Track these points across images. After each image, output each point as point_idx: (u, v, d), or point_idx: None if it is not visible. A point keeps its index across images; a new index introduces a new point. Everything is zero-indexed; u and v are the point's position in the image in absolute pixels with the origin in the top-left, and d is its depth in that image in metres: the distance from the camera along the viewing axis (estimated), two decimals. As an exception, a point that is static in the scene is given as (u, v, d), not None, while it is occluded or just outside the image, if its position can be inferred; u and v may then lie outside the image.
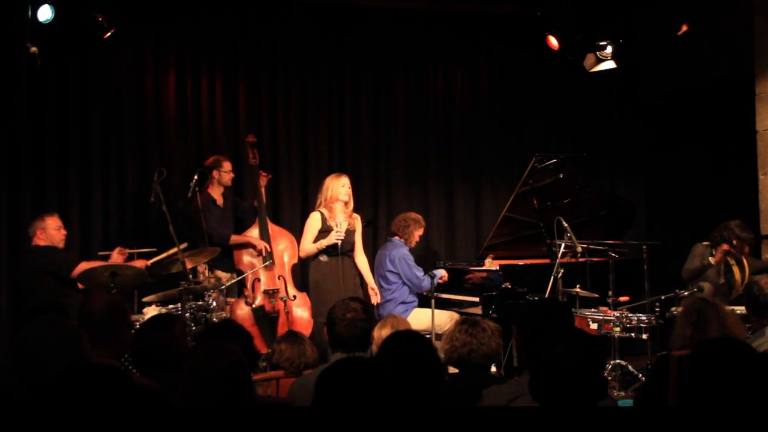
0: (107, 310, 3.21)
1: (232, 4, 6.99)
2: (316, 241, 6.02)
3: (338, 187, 6.06)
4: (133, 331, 3.36)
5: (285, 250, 6.38)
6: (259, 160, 6.35)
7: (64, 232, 5.80)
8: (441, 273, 6.38)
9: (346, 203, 6.10)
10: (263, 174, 6.33)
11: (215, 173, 6.24)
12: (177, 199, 6.49)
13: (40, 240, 5.70)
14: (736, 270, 5.97)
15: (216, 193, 6.27)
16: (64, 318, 2.87)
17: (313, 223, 6.04)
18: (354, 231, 6.12)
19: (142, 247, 6.03)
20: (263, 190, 6.33)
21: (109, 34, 6.17)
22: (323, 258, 5.98)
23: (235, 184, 6.59)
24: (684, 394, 2.32)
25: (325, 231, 6.00)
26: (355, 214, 6.20)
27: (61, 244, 5.76)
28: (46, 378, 2.00)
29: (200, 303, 5.45)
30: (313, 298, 6.09)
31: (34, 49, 5.51)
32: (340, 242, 5.91)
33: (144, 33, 6.78)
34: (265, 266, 6.09)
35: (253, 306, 6.04)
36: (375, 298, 6.19)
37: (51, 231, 5.74)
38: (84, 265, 5.49)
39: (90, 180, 6.57)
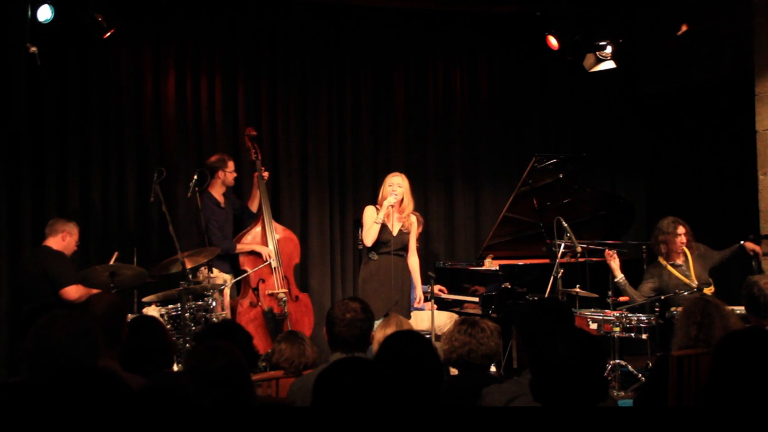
0: (112, 311, 3.19)
1: (232, 3, 6.99)
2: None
3: (386, 187, 5.86)
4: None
5: (288, 250, 6.36)
6: (260, 155, 6.34)
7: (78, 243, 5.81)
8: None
9: (396, 204, 5.79)
10: (264, 170, 6.30)
11: (220, 173, 6.23)
12: (177, 200, 6.50)
13: (56, 243, 5.62)
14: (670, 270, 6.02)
15: (218, 193, 6.27)
16: (85, 315, 2.81)
17: (369, 214, 5.83)
18: (408, 232, 5.92)
19: (142, 247, 6.05)
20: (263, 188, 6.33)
21: (108, 33, 6.19)
22: (374, 256, 5.81)
23: (236, 183, 6.60)
24: (712, 388, 2.31)
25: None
26: (412, 217, 5.98)
27: (71, 255, 5.74)
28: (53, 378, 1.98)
29: (200, 303, 5.45)
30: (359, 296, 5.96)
31: (33, 49, 5.51)
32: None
33: (143, 32, 6.78)
34: (269, 265, 6.07)
35: (264, 309, 6.02)
36: (416, 302, 6.04)
37: (72, 239, 5.70)
38: (74, 289, 5.45)
39: (89, 180, 6.57)
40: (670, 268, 6.02)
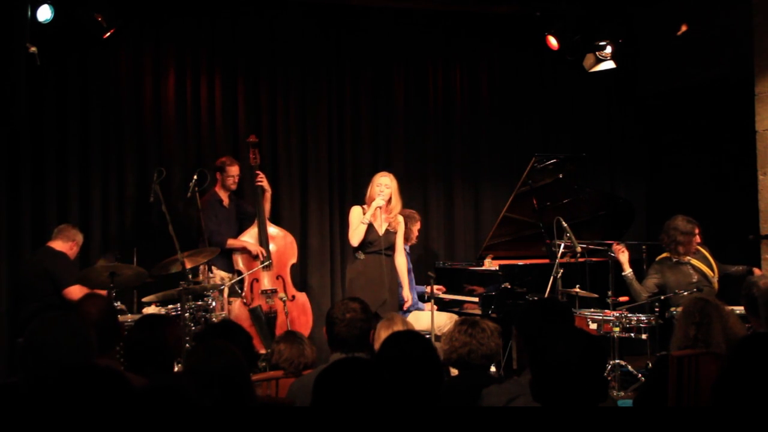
0: (107, 313, 3.18)
1: (232, 3, 6.99)
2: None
3: (374, 187, 5.88)
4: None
5: (284, 250, 6.37)
6: (259, 160, 6.36)
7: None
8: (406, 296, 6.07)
9: (385, 206, 5.81)
10: (261, 174, 6.33)
11: (218, 175, 6.30)
12: (177, 200, 6.51)
13: (61, 247, 5.67)
14: (701, 265, 6.03)
15: (223, 193, 6.33)
16: (74, 316, 2.82)
17: (355, 214, 5.86)
18: (395, 232, 5.93)
19: (142, 247, 6.06)
20: (267, 195, 6.35)
21: (108, 34, 6.19)
22: (360, 255, 5.82)
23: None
24: (722, 389, 2.31)
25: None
26: (399, 217, 5.98)
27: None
28: (51, 376, 1.99)
29: (200, 303, 5.45)
30: (346, 296, 5.96)
31: (33, 49, 5.51)
32: (381, 205, 5.73)
33: (143, 33, 6.78)
34: (264, 267, 6.10)
35: (250, 306, 6.04)
36: (405, 305, 6.01)
37: (76, 248, 5.78)
38: (78, 289, 5.45)
39: (89, 180, 6.57)
40: (695, 261, 6.05)
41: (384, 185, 5.84)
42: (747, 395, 2.23)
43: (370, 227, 5.79)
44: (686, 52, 7.42)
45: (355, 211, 5.91)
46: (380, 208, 5.80)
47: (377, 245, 5.78)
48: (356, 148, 7.40)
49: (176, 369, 4.26)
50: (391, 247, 5.92)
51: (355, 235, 5.79)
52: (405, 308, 6.00)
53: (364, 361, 2.39)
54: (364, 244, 5.80)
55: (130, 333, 3.22)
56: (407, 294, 6.01)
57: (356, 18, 7.33)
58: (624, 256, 6.11)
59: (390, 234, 5.90)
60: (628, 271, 6.07)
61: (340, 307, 3.32)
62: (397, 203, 5.92)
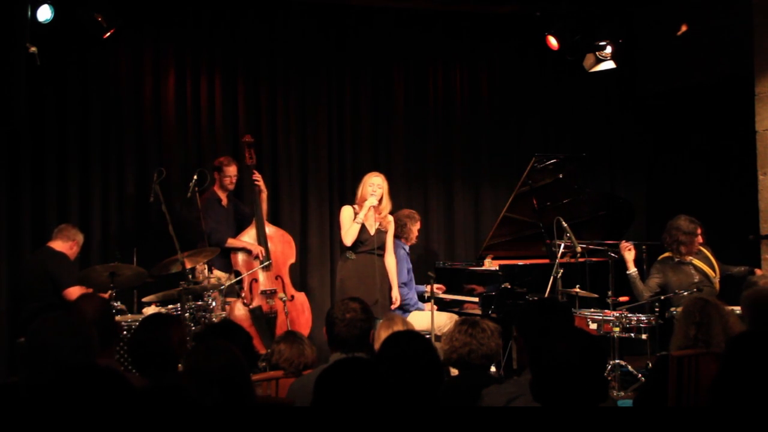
0: (103, 313, 3.18)
1: (232, 4, 6.99)
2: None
3: (366, 187, 5.93)
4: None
5: (283, 250, 6.38)
6: (255, 160, 6.37)
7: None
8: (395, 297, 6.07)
9: (376, 206, 5.87)
10: (257, 173, 6.33)
11: (216, 175, 6.31)
12: (177, 200, 6.50)
13: (61, 247, 5.68)
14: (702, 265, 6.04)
15: (221, 193, 6.34)
16: (75, 315, 2.82)
17: (347, 214, 5.90)
18: (386, 232, 5.98)
19: (142, 247, 6.06)
20: (264, 195, 6.35)
21: (108, 34, 6.19)
22: (351, 255, 5.87)
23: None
24: (720, 388, 2.31)
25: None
26: (389, 216, 6.04)
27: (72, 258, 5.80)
28: (52, 376, 1.99)
29: (200, 303, 5.45)
30: (337, 297, 5.97)
31: (33, 49, 5.50)
32: (374, 205, 5.80)
33: (143, 33, 6.78)
34: (263, 267, 6.10)
35: (250, 307, 6.05)
36: (393, 304, 6.01)
37: (76, 248, 5.79)
38: (78, 289, 5.45)
39: (89, 180, 6.58)
40: (696, 261, 6.07)
41: (376, 185, 5.90)
42: (741, 393, 2.23)
43: (362, 227, 5.84)
44: (686, 52, 7.42)
45: (347, 211, 5.94)
46: (372, 208, 5.84)
47: (369, 245, 5.85)
48: (356, 148, 7.40)
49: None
50: (382, 247, 5.97)
51: (349, 234, 5.83)
52: (392, 308, 6.00)
53: (364, 361, 2.39)
54: (356, 244, 5.85)
55: (134, 333, 3.21)
56: (396, 294, 6.03)
57: (356, 18, 7.34)
58: (630, 255, 6.13)
59: (381, 234, 5.95)
60: (632, 270, 6.09)
61: (340, 307, 3.32)
62: (387, 203, 5.98)
